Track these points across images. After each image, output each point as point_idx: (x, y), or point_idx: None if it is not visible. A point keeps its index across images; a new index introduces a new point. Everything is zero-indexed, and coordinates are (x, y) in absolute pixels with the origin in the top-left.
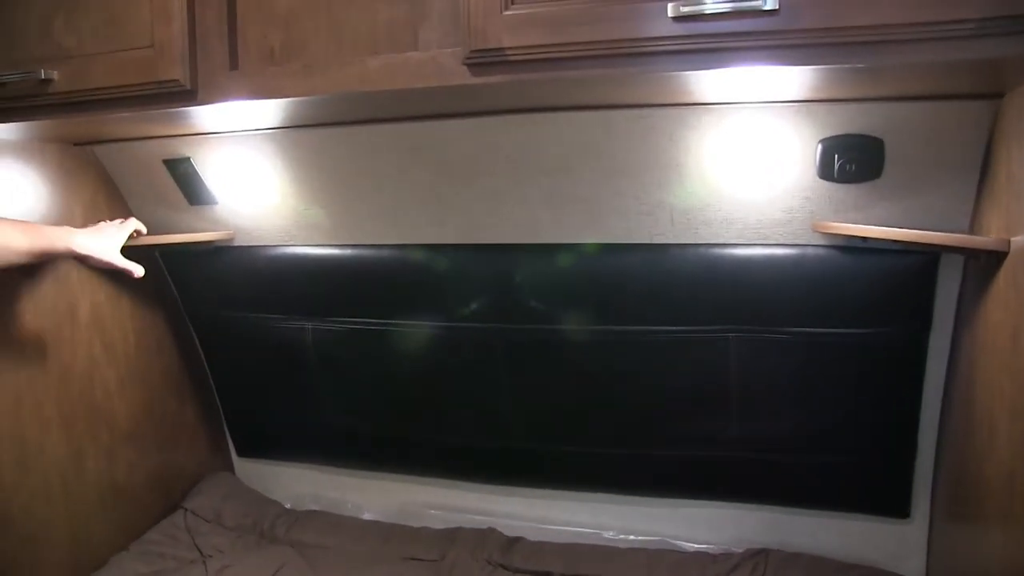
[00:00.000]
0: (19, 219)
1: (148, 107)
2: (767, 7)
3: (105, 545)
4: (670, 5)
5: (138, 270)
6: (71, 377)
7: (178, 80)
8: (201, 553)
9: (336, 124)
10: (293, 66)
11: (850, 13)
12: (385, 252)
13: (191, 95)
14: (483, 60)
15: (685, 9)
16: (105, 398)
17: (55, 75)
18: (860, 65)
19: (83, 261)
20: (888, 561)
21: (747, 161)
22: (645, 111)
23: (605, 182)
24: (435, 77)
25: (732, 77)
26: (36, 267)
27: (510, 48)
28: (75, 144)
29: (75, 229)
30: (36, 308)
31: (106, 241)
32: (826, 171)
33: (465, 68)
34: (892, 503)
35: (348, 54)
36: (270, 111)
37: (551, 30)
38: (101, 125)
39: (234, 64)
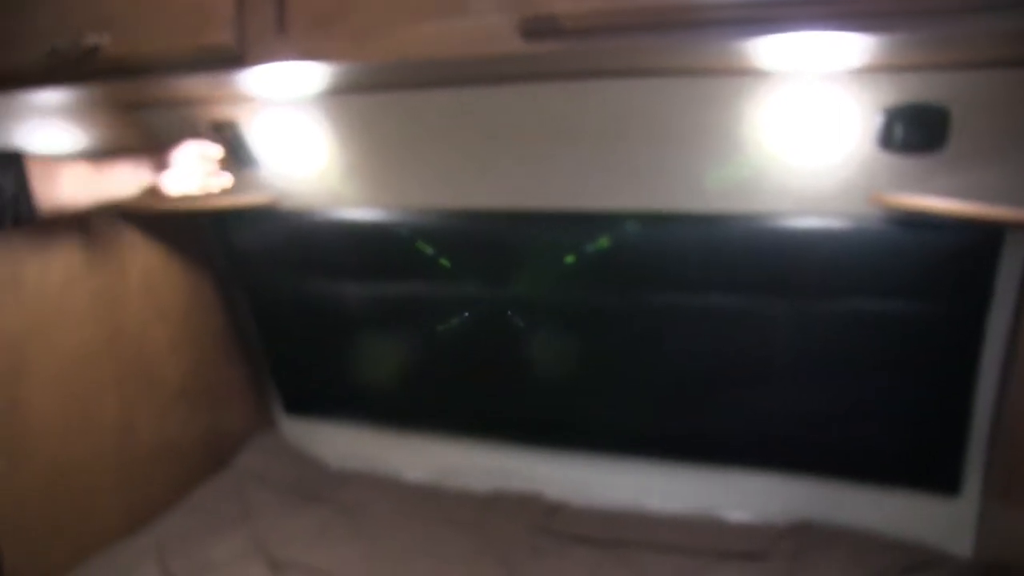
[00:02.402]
0: (90, 159)
1: (196, 71)
2: None
3: (156, 501)
4: None
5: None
6: (124, 338)
7: (226, 44)
8: (248, 510)
9: (383, 89)
10: (341, 31)
11: None
12: (431, 217)
13: (239, 59)
14: (536, 28)
15: None
16: (156, 359)
17: (104, 41)
18: (930, 33)
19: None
20: (935, 538)
21: (804, 130)
22: (699, 78)
23: (656, 149)
24: (486, 45)
25: (792, 46)
26: (89, 231)
27: (564, 16)
28: (123, 108)
29: (150, 161)
30: (90, 271)
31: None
32: (887, 141)
33: (517, 36)
34: (942, 478)
35: (398, 20)
36: (316, 77)
37: None
38: (149, 89)
39: (282, 28)
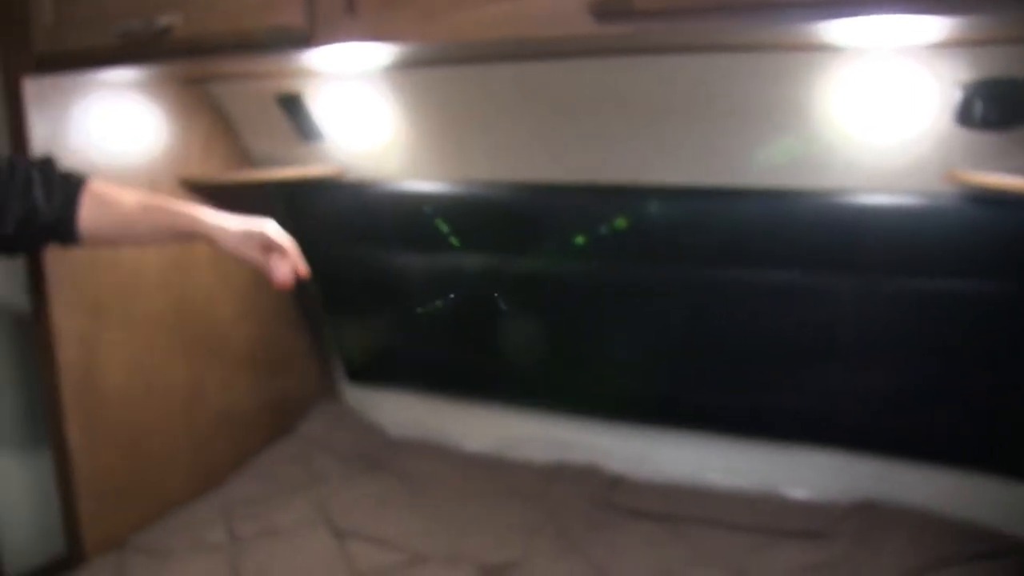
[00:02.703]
0: (146, 196)
1: (264, 51)
2: None
3: (223, 467)
4: None
5: (282, 274)
6: (192, 307)
7: (295, 24)
8: (312, 477)
9: (448, 63)
10: (411, 11)
11: None
12: (495, 190)
13: (307, 39)
14: (608, 9)
15: None
16: (223, 327)
17: (175, 21)
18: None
19: (212, 243)
20: (1003, 522)
21: (877, 105)
22: (769, 54)
23: (722, 124)
24: (557, 25)
25: (868, 25)
26: None
27: None
28: (190, 82)
29: (206, 210)
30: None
31: (239, 229)
32: (965, 117)
33: (589, 17)
34: (1009, 462)
35: (467, 0)
36: (383, 53)
37: None
38: (216, 65)
39: (351, 7)
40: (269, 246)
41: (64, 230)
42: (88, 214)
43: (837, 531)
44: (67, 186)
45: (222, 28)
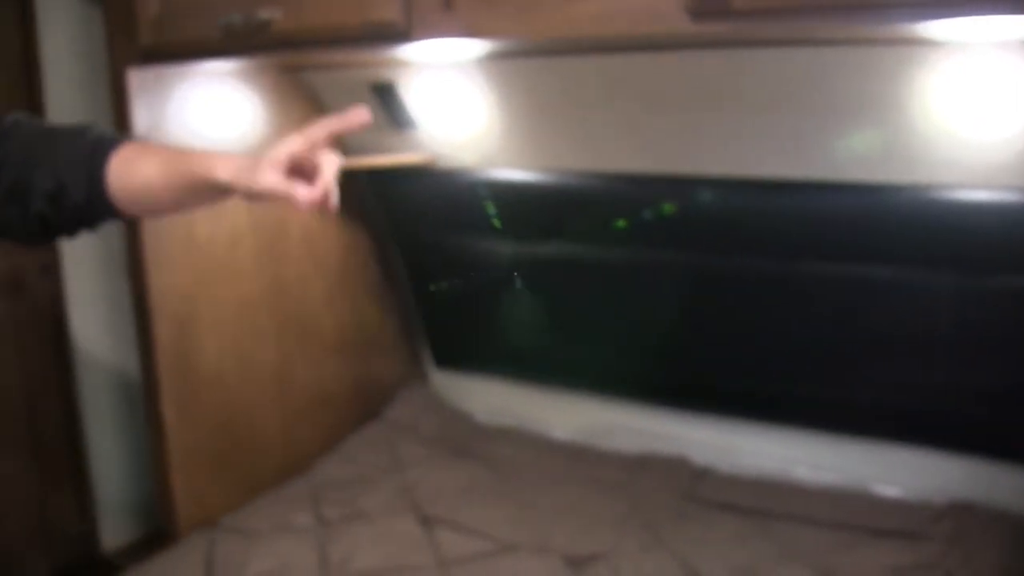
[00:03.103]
0: (169, 147)
1: (362, 46)
2: None
3: (312, 449)
4: None
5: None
6: (284, 290)
7: (392, 20)
8: (399, 462)
9: (540, 54)
10: (507, 7)
11: None
12: (587, 180)
13: (404, 34)
14: (704, 8)
15: None
16: (314, 311)
17: (276, 16)
18: None
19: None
20: None
21: (979, 99)
22: (865, 47)
23: (817, 118)
24: (653, 23)
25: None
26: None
27: None
28: (286, 71)
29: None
30: (254, 224)
31: (254, 166)
32: None
33: (685, 16)
34: None
35: None
36: (476, 45)
37: None
38: (312, 56)
39: (448, 4)
40: (298, 165)
41: (99, 209)
42: (119, 180)
43: (930, 532)
44: (88, 158)
45: (320, 22)
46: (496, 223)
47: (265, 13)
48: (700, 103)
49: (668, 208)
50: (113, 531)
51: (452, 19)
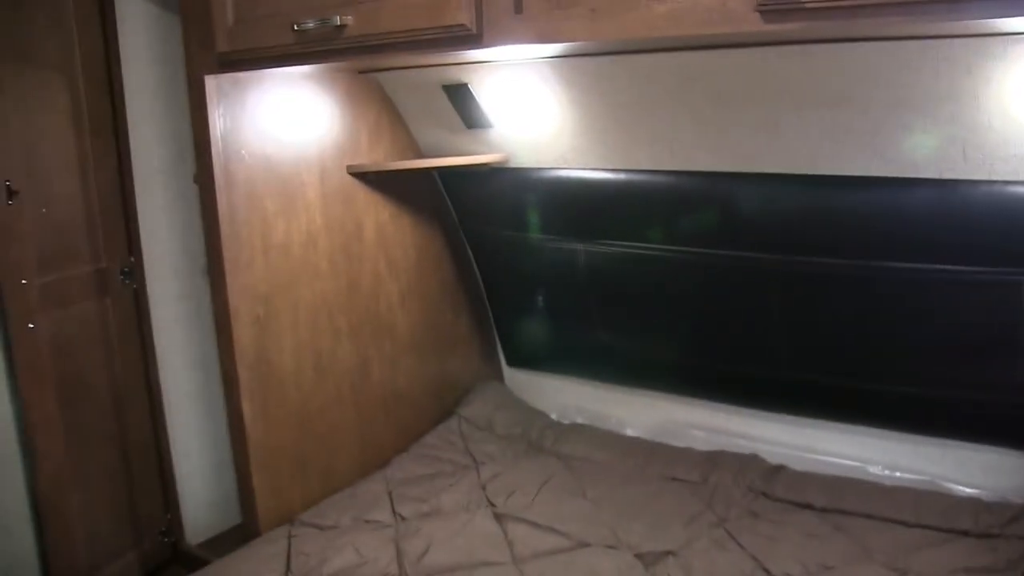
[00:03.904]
0: None
1: (434, 50)
2: None
3: (388, 446)
4: None
5: None
6: (358, 291)
7: (464, 24)
8: (474, 459)
9: (614, 53)
10: (578, 10)
11: None
12: (658, 178)
13: (476, 38)
14: (776, 7)
15: None
16: (388, 311)
17: (349, 20)
18: None
19: None
20: None
21: None
22: (940, 41)
23: (890, 114)
24: (724, 24)
25: None
26: (328, 190)
27: None
28: (359, 73)
29: None
30: (329, 228)
31: None
32: None
33: (756, 15)
34: None
35: None
36: (549, 45)
37: None
38: (385, 58)
39: (519, 7)
40: None
41: None
42: None
43: (1007, 533)
44: None
45: (393, 27)
46: (567, 222)
47: (338, 18)
48: (771, 100)
49: (740, 206)
50: (194, 526)
51: (524, 24)
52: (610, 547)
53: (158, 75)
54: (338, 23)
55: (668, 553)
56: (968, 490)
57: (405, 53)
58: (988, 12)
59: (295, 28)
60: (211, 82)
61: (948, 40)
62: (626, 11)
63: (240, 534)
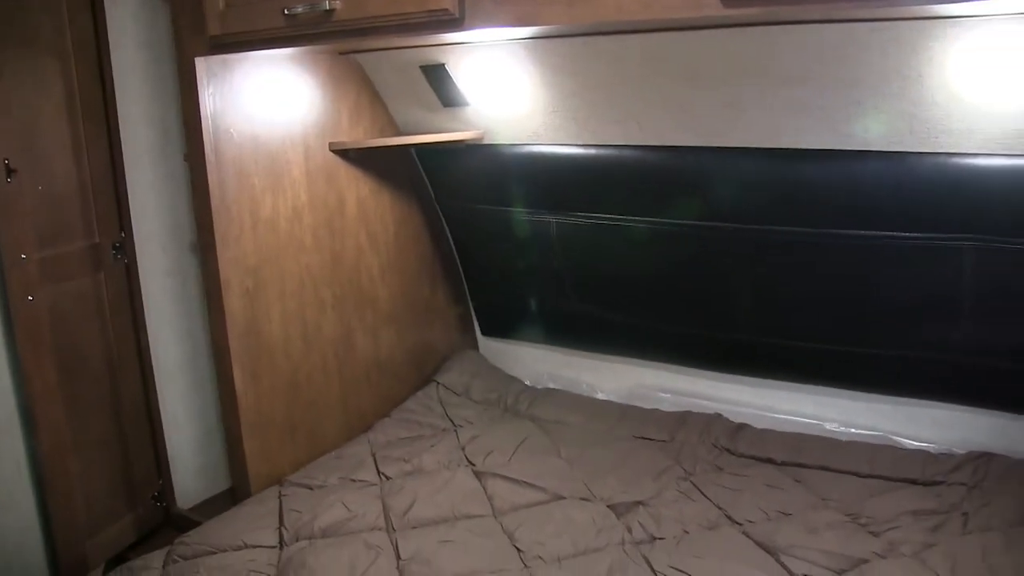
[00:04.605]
0: None
1: (418, 33)
2: None
3: (370, 412)
4: None
5: None
6: (342, 264)
7: (447, 9)
8: (452, 423)
9: (585, 35)
10: None
11: None
12: (627, 153)
13: (458, 22)
14: None
15: None
16: (369, 283)
17: (337, 5)
18: None
19: None
20: None
21: (994, 72)
22: (888, 24)
23: (844, 91)
24: (689, 8)
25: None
26: (311, 167)
27: None
28: (340, 53)
29: None
30: (313, 203)
31: None
32: None
33: (718, 1)
34: None
35: None
36: (526, 28)
37: None
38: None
39: None
40: None
41: None
42: None
43: (951, 479)
44: None
45: (379, 11)
46: (539, 196)
47: (327, 3)
48: (735, 79)
49: (704, 179)
50: (184, 492)
51: (503, 8)
52: (584, 499)
53: (145, 59)
54: (327, 8)
55: (639, 503)
56: (917, 443)
57: (390, 36)
58: None
59: (285, 12)
60: (201, 63)
61: (894, 23)
62: None
63: (228, 499)
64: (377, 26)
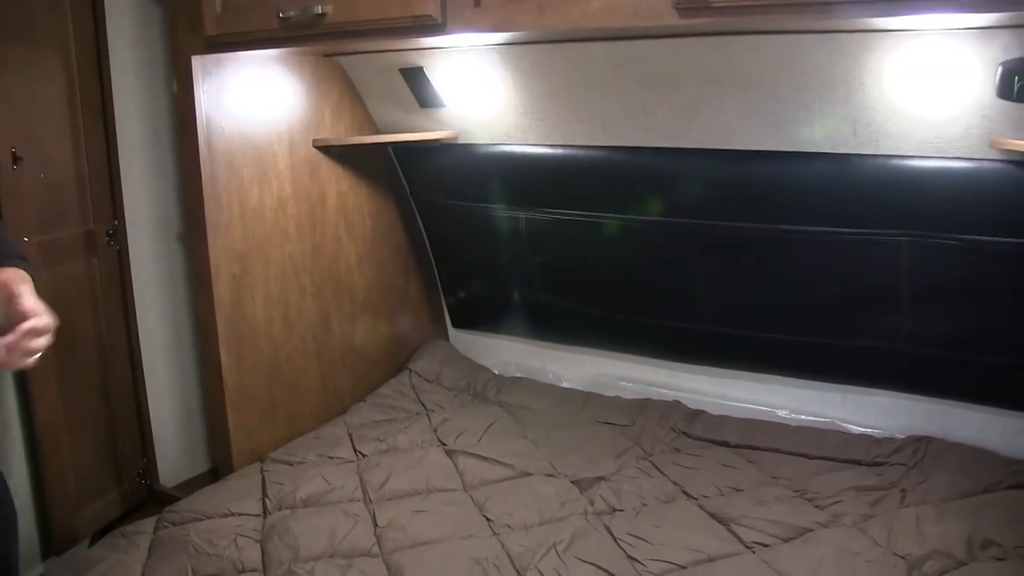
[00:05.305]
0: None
1: (403, 36)
2: None
3: (347, 396)
4: None
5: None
6: (321, 253)
7: (431, 15)
8: (424, 407)
9: (554, 41)
10: (528, 4)
11: None
12: (592, 152)
13: (440, 27)
14: (690, 5)
15: None
16: (347, 272)
17: (328, 9)
18: None
19: None
20: None
21: (927, 81)
22: (833, 35)
23: (794, 96)
24: (648, 18)
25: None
26: (295, 161)
27: None
28: (325, 55)
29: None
30: (297, 195)
31: None
32: (1006, 91)
33: (674, 12)
34: None
35: None
36: (501, 34)
37: None
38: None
39: (478, 1)
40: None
41: None
42: None
43: (892, 460)
44: None
45: (367, 16)
46: (510, 192)
47: (319, 8)
48: (693, 84)
49: (664, 177)
50: (166, 470)
51: (481, 15)
52: (549, 475)
53: (139, 56)
54: (319, 11)
55: (601, 479)
56: (862, 429)
57: (376, 39)
58: (860, 12)
59: (280, 15)
60: (197, 61)
61: (837, 34)
62: (569, 6)
63: (209, 479)
64: (365, 29)
